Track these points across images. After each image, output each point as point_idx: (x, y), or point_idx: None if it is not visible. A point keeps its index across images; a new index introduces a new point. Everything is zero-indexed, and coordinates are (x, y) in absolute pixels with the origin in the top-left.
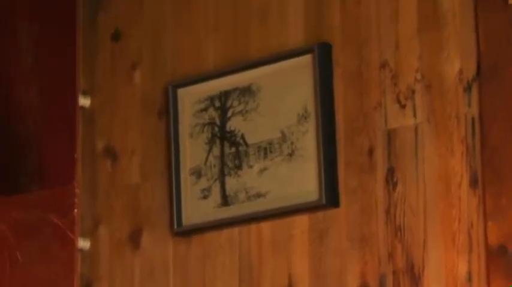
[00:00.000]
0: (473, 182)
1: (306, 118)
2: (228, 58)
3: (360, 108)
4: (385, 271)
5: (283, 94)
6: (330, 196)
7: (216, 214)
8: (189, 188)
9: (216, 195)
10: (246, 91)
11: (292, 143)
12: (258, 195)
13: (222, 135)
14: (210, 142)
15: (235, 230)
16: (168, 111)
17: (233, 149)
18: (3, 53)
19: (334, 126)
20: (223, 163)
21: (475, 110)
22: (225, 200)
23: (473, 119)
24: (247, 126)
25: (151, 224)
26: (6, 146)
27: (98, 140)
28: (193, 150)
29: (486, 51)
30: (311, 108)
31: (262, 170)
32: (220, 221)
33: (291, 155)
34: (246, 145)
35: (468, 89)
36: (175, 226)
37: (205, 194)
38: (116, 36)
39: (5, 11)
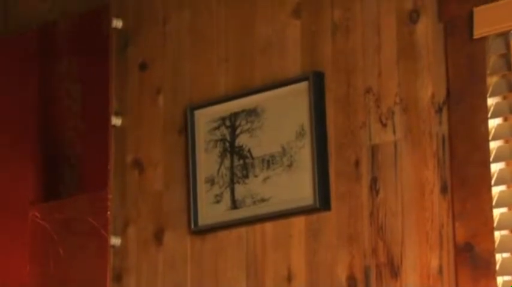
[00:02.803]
0: (443, 189)
1: (302, 135)
2: (236, 84)
3: (348, 127)
4: (369, 264)
5: (284, 115)
6: (323, 201)
7: (226, 216)
8: (204, 194)
9: (226, 200)
10: (252, 112)
11: (291, 156)
12: (262, 200)
13: (231, 150)
14: (222, 155)
15: (243, 230)
16: (187, 130)
17: (241, 161)
18: (49, 82)
19: (326, 142)
20: (232, 173)
21: (445, 128)
22: (234, 204)
23: (443, 136)
24: (253, 142)
25: (172, 224)
26: (52, 159)
27: (128, 154)
28: (207, 162)
29: (454, 78)
30: (307, 127)
31: (266, 179)
32: (230, 222)
33: (290, 166)
34: (252, 157)
35: (439, 110)
36: (192, 226)
37: (218, 199)
38: (143, 67)
39: (51, 49)
